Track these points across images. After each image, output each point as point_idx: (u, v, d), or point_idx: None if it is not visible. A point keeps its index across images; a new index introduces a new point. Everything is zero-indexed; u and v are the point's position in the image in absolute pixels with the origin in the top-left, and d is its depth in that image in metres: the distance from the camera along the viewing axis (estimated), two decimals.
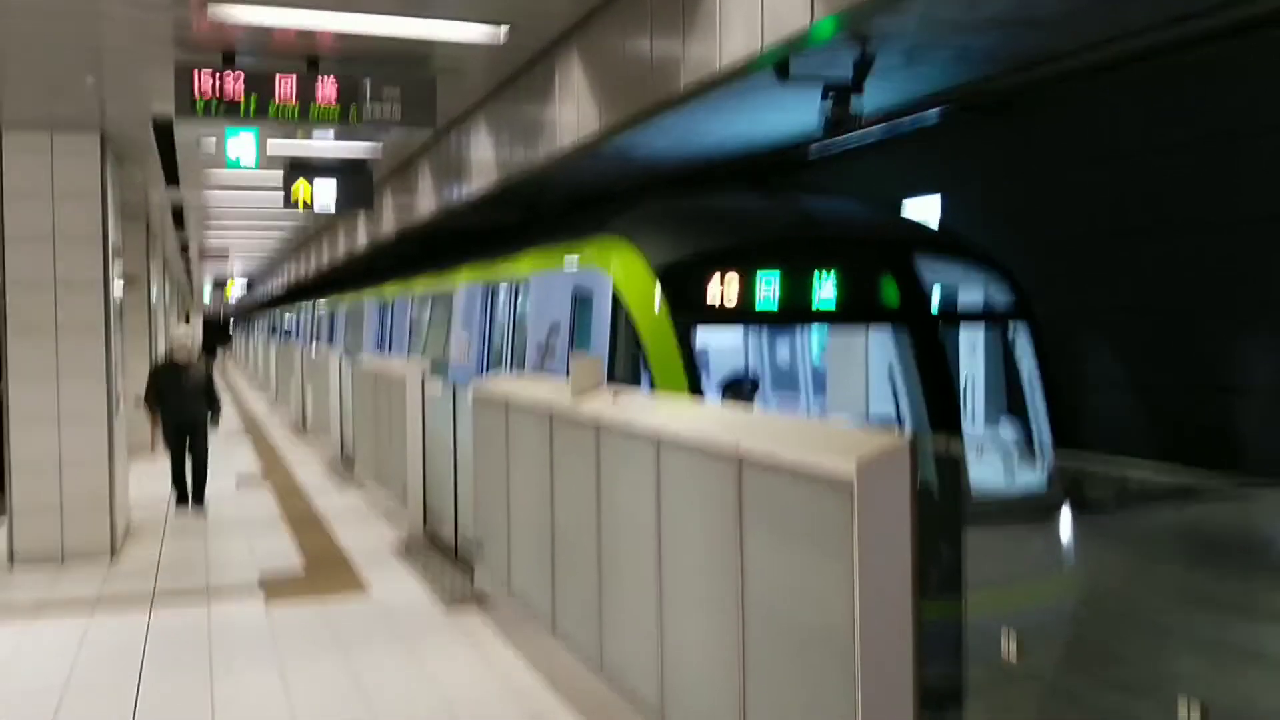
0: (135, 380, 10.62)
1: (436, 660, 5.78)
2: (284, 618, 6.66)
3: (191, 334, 10.19)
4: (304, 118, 6.29)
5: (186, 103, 6.06)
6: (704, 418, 4.00)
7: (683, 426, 3.92)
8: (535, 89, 6.88)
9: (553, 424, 5.23)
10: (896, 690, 2.87)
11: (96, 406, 8.26)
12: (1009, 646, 3.03)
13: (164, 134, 8.56)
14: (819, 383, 9.20)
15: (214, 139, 9.03)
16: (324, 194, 9.41)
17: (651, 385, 6.10)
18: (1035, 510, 6.22)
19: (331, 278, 23.05)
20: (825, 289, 6.40)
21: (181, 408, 10.31)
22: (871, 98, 6.87)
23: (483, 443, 6.56)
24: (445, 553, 8.34)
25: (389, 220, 12.35)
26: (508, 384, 6.25)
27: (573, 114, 6.27)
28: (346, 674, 5.60)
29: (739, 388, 8.34)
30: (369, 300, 16.15)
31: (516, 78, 7.23)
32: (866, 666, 2.84)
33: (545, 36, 6.37)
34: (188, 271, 29.87)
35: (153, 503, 10.75)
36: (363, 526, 9.59)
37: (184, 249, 21.89)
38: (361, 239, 14.61)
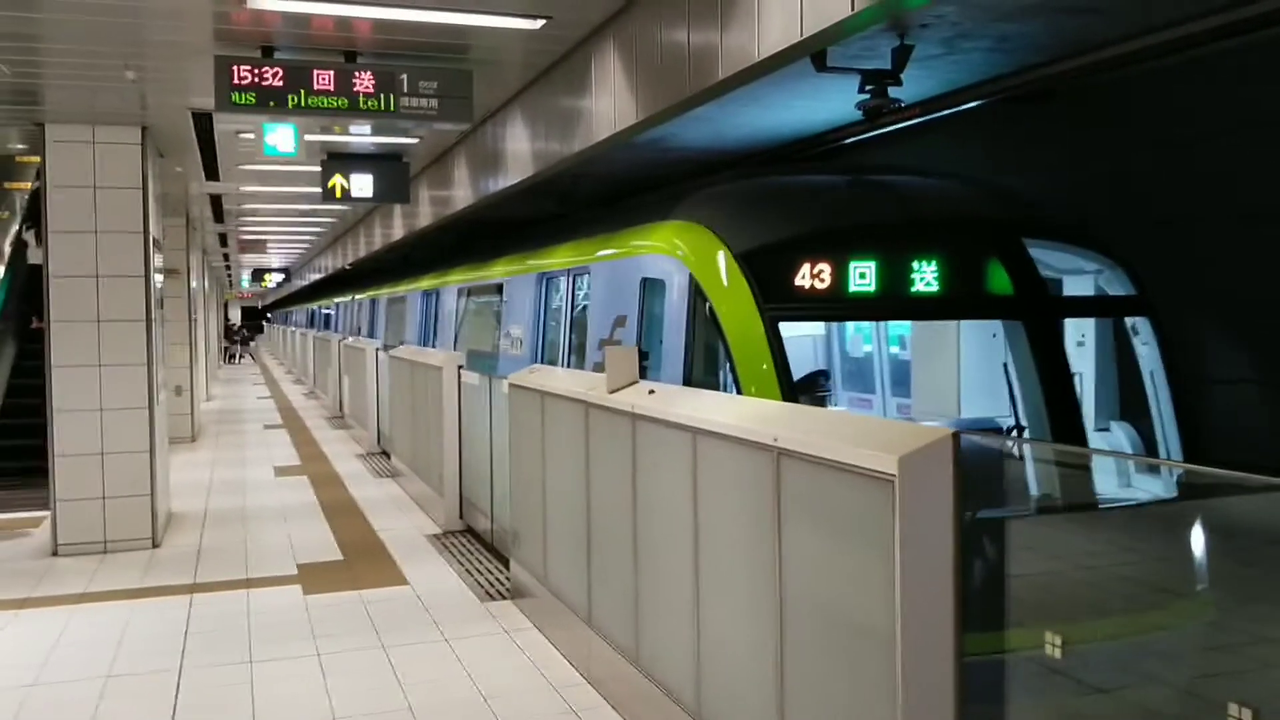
0: (175, 371, 10.70)
1: (473, 651, 5.81)
2: (322, 606, 6.72)
3: None
4: (342, 111, 6.32)
5: (225, 96, 6.12)
6: (740, 409, 3.97)
7: (719, 417, 3.89)
8: (572, 80, 6.86)
9: (588, 415, 5.22)
10: (938, 687, 2.84)
11: (138, 396, 8.37)
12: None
13: (204, 127, 8.64)
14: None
15: (252, 132, 9.10)
16: (361, 186, 9.48)
17: (738, 387, 5.54)
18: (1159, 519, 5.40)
19: (369, 269, 23.20)
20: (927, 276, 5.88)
21: None
22: (910, 87, 6.79)
23: (519, 434, 6.57)
24: (482, 543, 8.37)
25: (426, 212, 12.39)
26: (543, 375, 6.24)
27: (609, 105, 6.25)
28: (384, 663, 5.64)
29: (812, 386, 7.83)
30: (409, 292, 16.09)
31: (553, 69, 7.22)
32: (908, 663, 2.81)
33: (582, 27, 6.35)
34: (226, 262, 30.22)
35: (194, 491, 10.88)
36: (399, 516, 9.65)
37: (223, 240, 22.13)
38: (398, 230, 14.68)
